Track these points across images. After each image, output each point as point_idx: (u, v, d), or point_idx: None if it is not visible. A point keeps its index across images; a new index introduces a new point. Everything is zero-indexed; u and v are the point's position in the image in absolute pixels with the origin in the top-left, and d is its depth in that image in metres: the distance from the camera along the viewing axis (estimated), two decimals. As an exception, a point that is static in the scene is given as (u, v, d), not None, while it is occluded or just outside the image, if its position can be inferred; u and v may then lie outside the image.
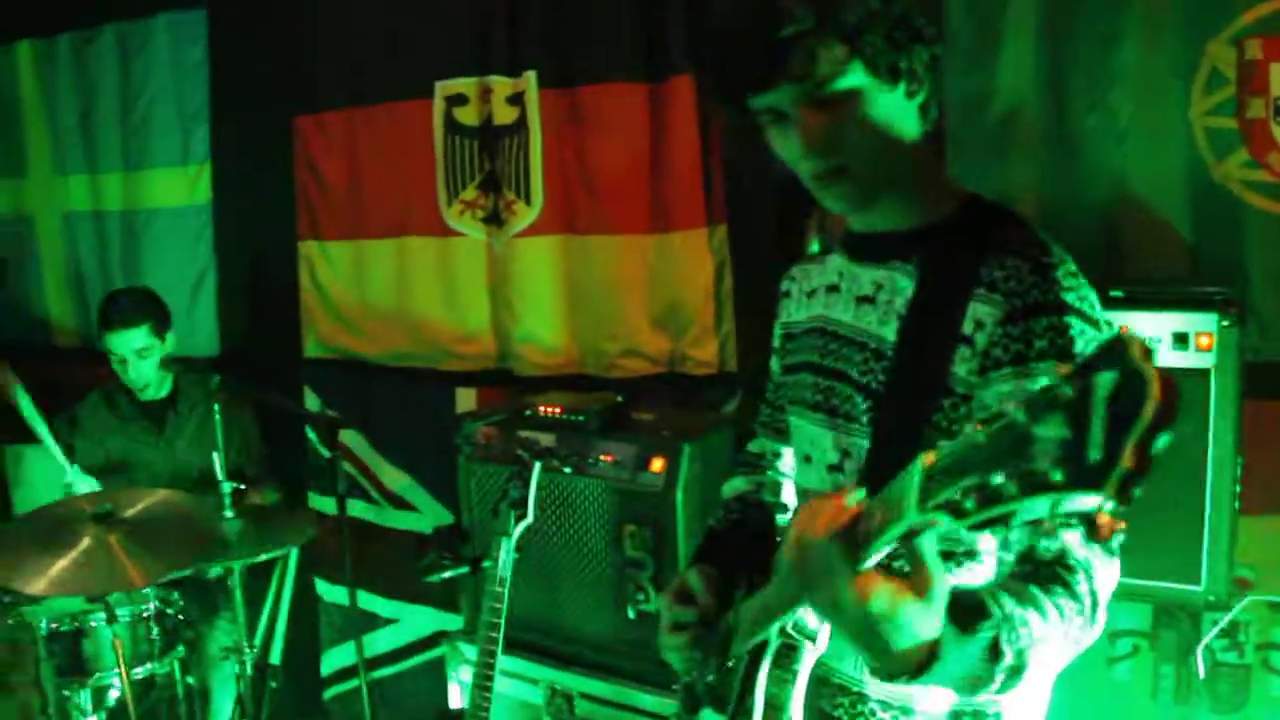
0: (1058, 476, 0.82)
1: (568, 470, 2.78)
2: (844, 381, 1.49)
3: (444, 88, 3.57)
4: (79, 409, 3.62)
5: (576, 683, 2.82)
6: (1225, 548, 2.19)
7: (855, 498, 1.13)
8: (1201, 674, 2.32)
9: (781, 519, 1.81)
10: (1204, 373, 2.18)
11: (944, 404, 1.35)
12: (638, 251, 3.30)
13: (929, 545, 1.07)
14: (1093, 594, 1.26)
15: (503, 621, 2.62)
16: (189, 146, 4.17)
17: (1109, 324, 1.33)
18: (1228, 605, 2.25)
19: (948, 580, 1.11)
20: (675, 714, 1.76)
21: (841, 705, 1.51)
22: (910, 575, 1.09)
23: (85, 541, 2.75)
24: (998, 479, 0.88)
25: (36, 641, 2.88)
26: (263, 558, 3.10)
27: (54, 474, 3.66)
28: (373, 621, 3.89)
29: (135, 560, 2.72)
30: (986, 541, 1.39)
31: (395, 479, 3.88)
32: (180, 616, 3.06)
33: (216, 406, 3.17)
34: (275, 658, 3.52)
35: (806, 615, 1.42)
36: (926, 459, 0.98)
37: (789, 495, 1.81)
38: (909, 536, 1.05)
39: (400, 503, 3.89)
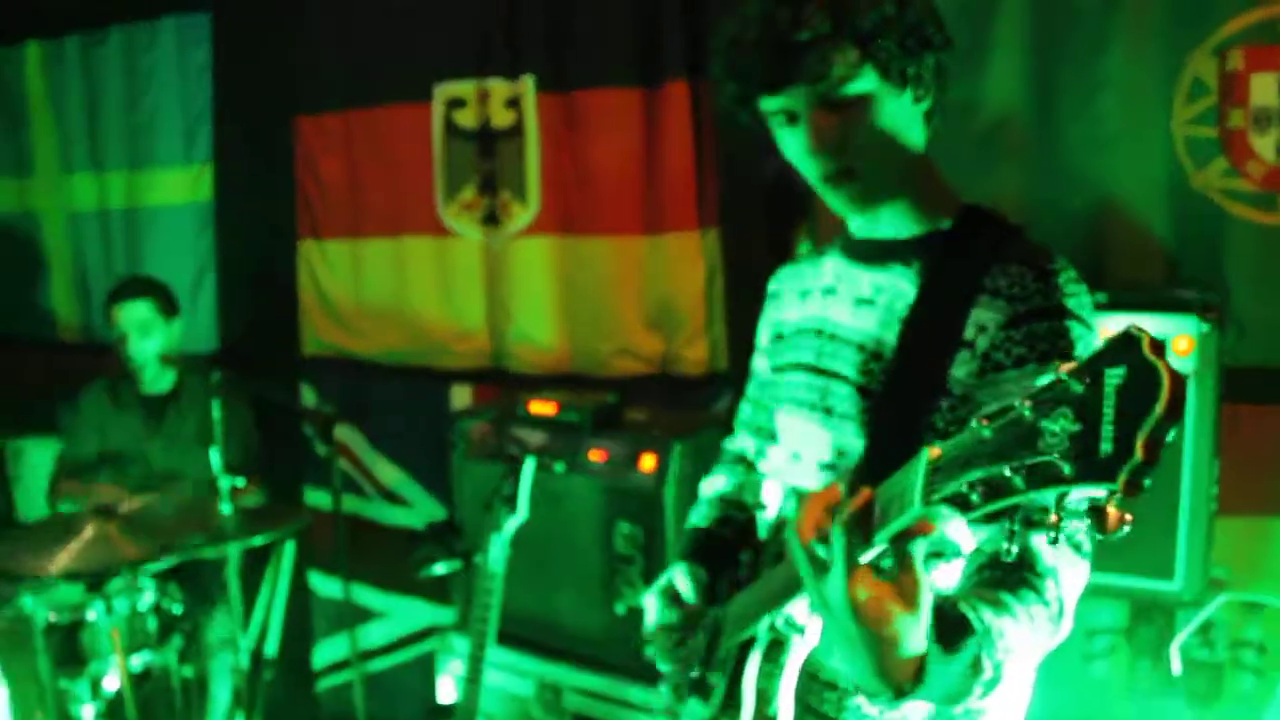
0: (1068, 470, 0.85)
1: (560, 468, 2.81)
2: (841, 381, 1.50)
3: (443, 91, 3.61)
4: (82, 397, 3.65)
5: (566, 676, 2.85)
6: (1201, 548, 2.22)
7: (859, 491, 1.12)
8: (1176, 671, 2.36)
9: (761, 519, 1.81)
10: (1183, 377, 2.21)
11: (941, 405, 1.36)
12: (631, 253, 3.34)
13: (918, 551, 1.08)
14: (1060, 599, 1.27)
15: (494, 616, 2.66)
16: (192, 146, 4.21)
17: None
18: (1202, 604, 2.30)
19: (931, 594, 1.11)
20: (665, 707, 1.78)
21: (829, 701, 1.52)
22: (897, 582, 1.09)
23: (88, 532, 2.81)
24: (1004, 472, 0.89)
25: (34, 633, 2.91)
26: (257, 541, 3.14)
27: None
28: (366, 615, 3.92)
29: (132, 541, 2.78)
30: (970, 542, 1.41)
31: (390, 474, 3.92)
32: (177, 608, 3.10)
33: (217, 402, 3.19)
34: (270, 650, 3.56)
35: (795, 610, 1.43)
36: (932, 452, 0.99)
37: (768, 495, 1.81)
38: (904, 537, 1.06)
39: (394, 498, 3.92)
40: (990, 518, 0.94)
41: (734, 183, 3.15)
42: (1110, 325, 2.19)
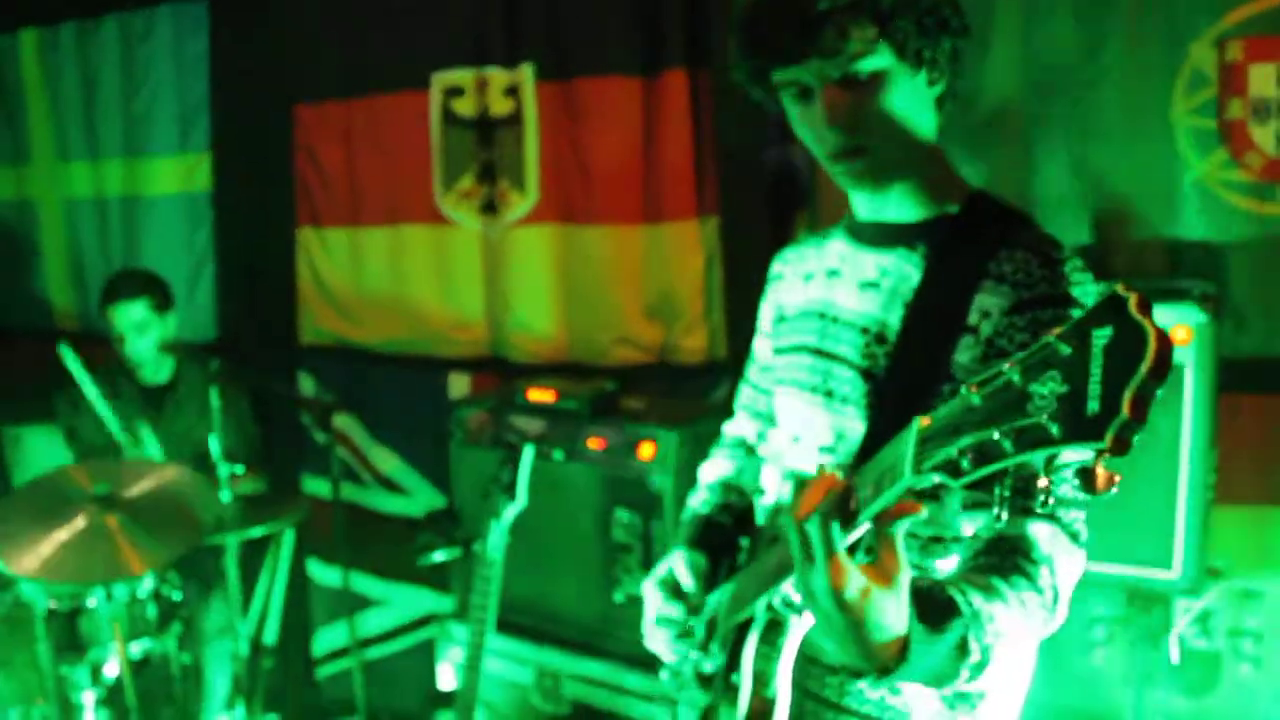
0: (1055, 430, 0.85)
1: (558, 455, 2.82)
2: (843, 364, 1.50)
3: (441, 79, 3.61)
4: (79, 389, 3.64)
5: (565, 663, 2.86)
6: (1198, 537, 2.23)
7: (839, 474, 1.14)
8: (1174, 659, 2.37)
9: (759, 504, 1.81)
10: (1181, 366, 2.22)
11: (944, 390, 1.35)
12: (630, 242, 3.34)
13: (899, 532, 1.09)
14: (1054, 588, 1.28)
15: (493, 603, 2.67)
16: (190, 135, 4.21)
17: None
18: (1200, 593, 2.31)
19: (910, 572, 1.11)
20: (665, 694, 1.78)
21: (830, 685, 1.52)
22: (876, 562, 1.10)
23: (82, 521, 2.77)
24: (993, 436, 0.89)
25: (35, 619, 2.92)
26: (256, 532, 3.14)
27: (54, 455, 3.71)
28: (365, 602, 3.93)
29: (133, 545, 2.75)
30: (970, 528, 1.40)
31: (389, 463, 3.92)
32: (176, 595, 3.10)
33: (215, 390, 3.20)
34: (270, 638, 3.56)
35: (792, 590, 1.43)
36: (922, 422, 1.00)
37: (767, 479, 1.81)
38: (885, 518, 1.07)
39: (393, 486, 3.93)
40: (981, 484, 0.94)
41: (733, 172, 3.15)
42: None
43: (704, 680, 1.63)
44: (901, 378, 1.42)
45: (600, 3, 3.27)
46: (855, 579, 1.10)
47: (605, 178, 3.37)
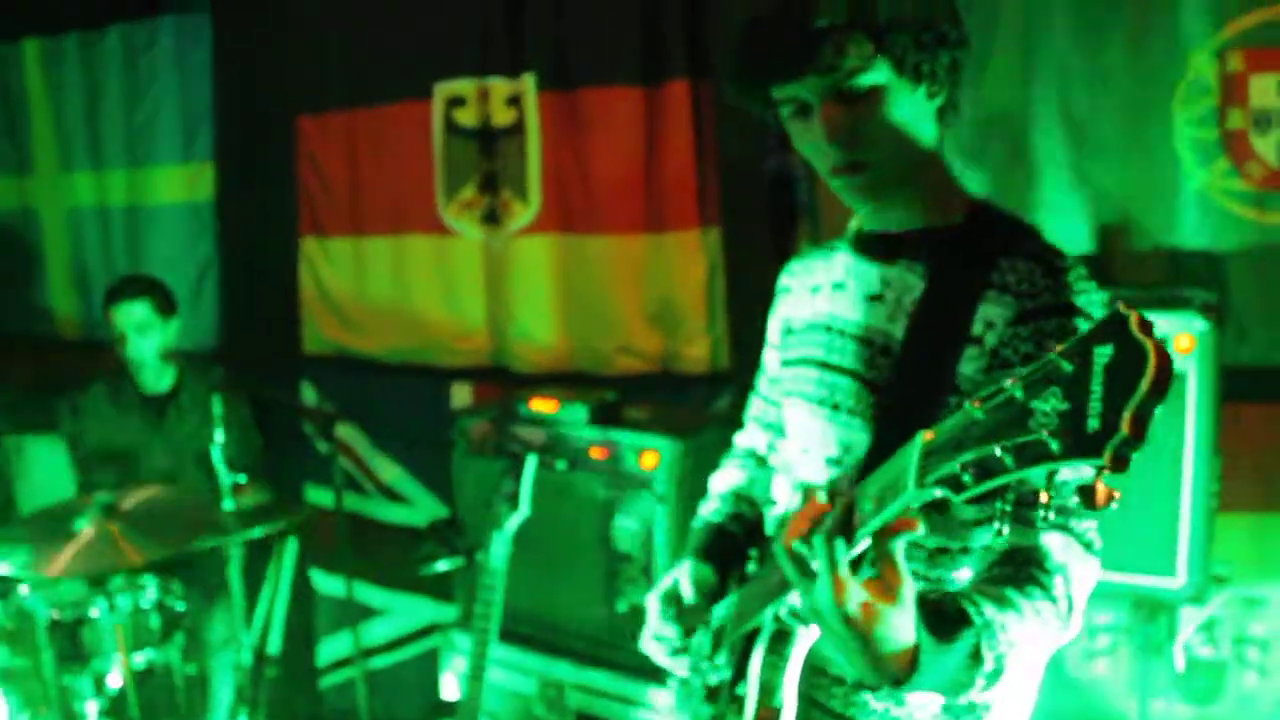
0: (1056, 446, 0.85)
1: (561, 465, 2.82)
2: (849, 376, 1.50)
3: (443, 89, 3.62)
4: (81, 396, 3.65)
5: (568, 673, 2.86)
6: (1203, 545, 2.24)
7: (823, 497, 1.16)
8: (1179, 668, 2.38)
9: (770, 514, 1.81)
10: (1184, 375, 2.22)
11: (949, 402, 1.35)
12: (632, 251, 3.35)
13: (899, 548, 1.10)
14: (1069, 597, 1.28)
15: (496, 613, 2.67)
16: (193, 145, 4.21)
17: None
18: (1205, 601, 2.31)
19: (914, 585, 1.13)
20: (669, 706, 1.78)
21: (836, 696, 1.52)
22: (878, 577, 1.11)
23: (88, 530, 2.80)
24: (995, 452, 0.90)
25: (37, 629, 2.92)
26: (258, 533, 3.14)
27: (56, 464, 3.71)
28: (368, 612, 3.93)
29: (133, 543, 2.77)
30: (980, 539, 1.41)
31: (391, 472, 3.92)
32: (179, 606, 3.10)
33: (218, 399, 3.20)
34: (273, 648, 3.56)
35: (798, 601, 1.44)
36: (925, 436, 1.00)
37: (777, 490, 1.80)
38: (885, 534, 1.08)
39: (395, 496, 3.93)
40: (982, 499, 0.94)
41: (735, 182, 3.16)
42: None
43: (711, 691, 1.63)
44: (906, 389, 1.42)
45: (602, 13, 3.28)
46: (857, 594, 1.11)
47: (607, 188, 3.38)
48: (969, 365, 1.35)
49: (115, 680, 2.95)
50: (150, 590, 3.00)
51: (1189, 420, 2.23)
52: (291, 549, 3.52)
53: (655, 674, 2.60)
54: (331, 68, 3.85)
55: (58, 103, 4.53)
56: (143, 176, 4.34)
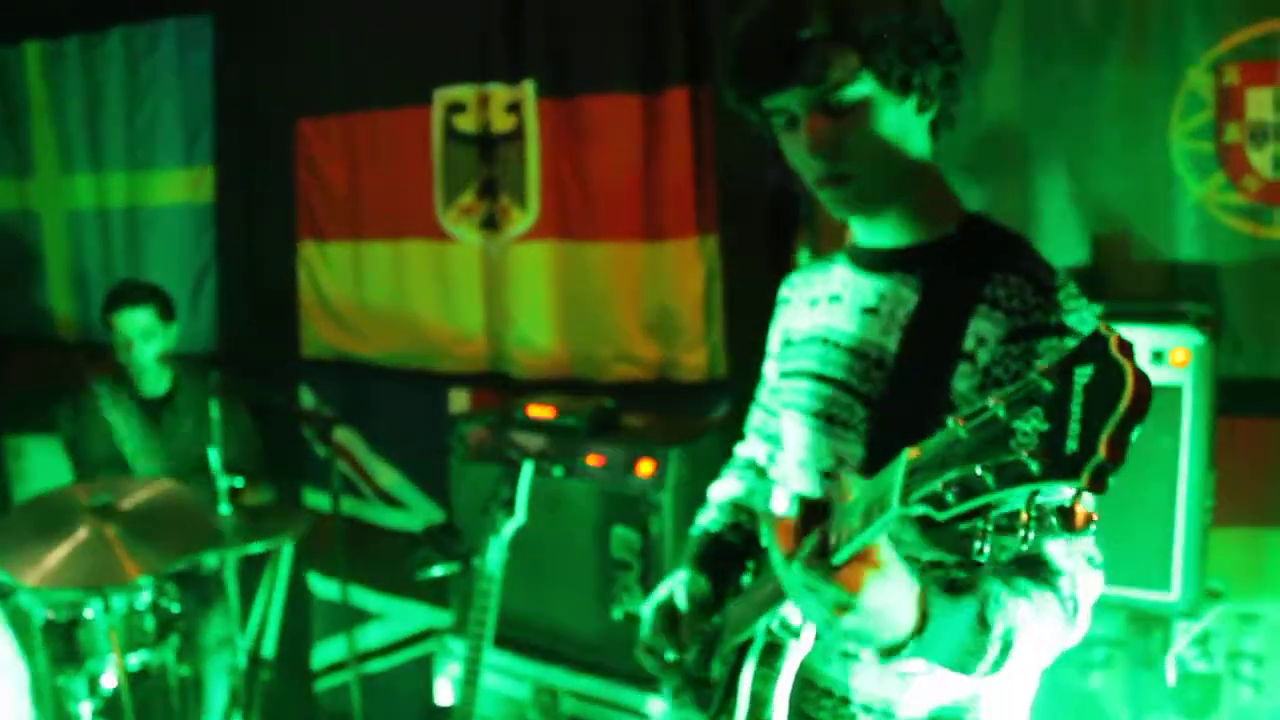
0: (1035, 468, 0.86)
1: (558, 472, 2.82)
2: (843, 390, 1.50)
3: (443, 95, 3.63)
4: (80, 398, 3.65)
5: (563, 679, 2.86)
6: (1197, 559, 2.23)
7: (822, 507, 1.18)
8: (1172, 682, 2.38)
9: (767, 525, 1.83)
10: (1180, 388, 2.22)
11: (943, 417, 1.35)
12: (630, 259, 3.35)
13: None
14: (1074, 598, 1.29)
15: (491, 619, 2.67)
16: (194, 148, 4.22)
17: None
18: (1199, 615, 2.31)
19: (893, 547, 1.16)
20: (662, 715, 1.79)
21: (825, 708, 1.52)
22: (860, 556, 1.14)
23: (82, 533, 2.79)
24: (976, 471, 0.91)
25: (32, 630, 2.92)
26: (255, 547, 3.14)
27: (55, 465, 3.71)
28: (364, 616, 3.93)
29: (130, 552, 2.76)
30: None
31: (388, 477, 3.93)
32: (175, 607, 3.11)
33: (214, 403, 3.20)
34: (268, 651, 3.56)
35: (791, 613, 1.44)
36: (911, 453, 1.01)
37: (777, 502, 1.81)
38: (855, 560, 1.12)
39: (392, 500, 3.93)
40: (965, 518, 0.95)
41: (733, 190, 3.17)
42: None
43: (703, 701, 1.63)
44: (899, 402, 1.42)
45: (602, 20, 3.29)
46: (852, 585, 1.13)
47: (606, 195, 3.39)
48: (963, 382, 1.35)
49: (110, 681, 2.95)
50: (145, 592, 3.00)
51: (1184, 434, 2.23)
52: (288, 552, 3.53)
53: (650, 681, 2.60)
54: (332, 72, 3.86)
55: (58, 105, 4.54)
56: (143, 179, 4.34)
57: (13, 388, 4.57)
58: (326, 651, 4.13)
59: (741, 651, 1.52)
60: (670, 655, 1.70)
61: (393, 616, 3.94)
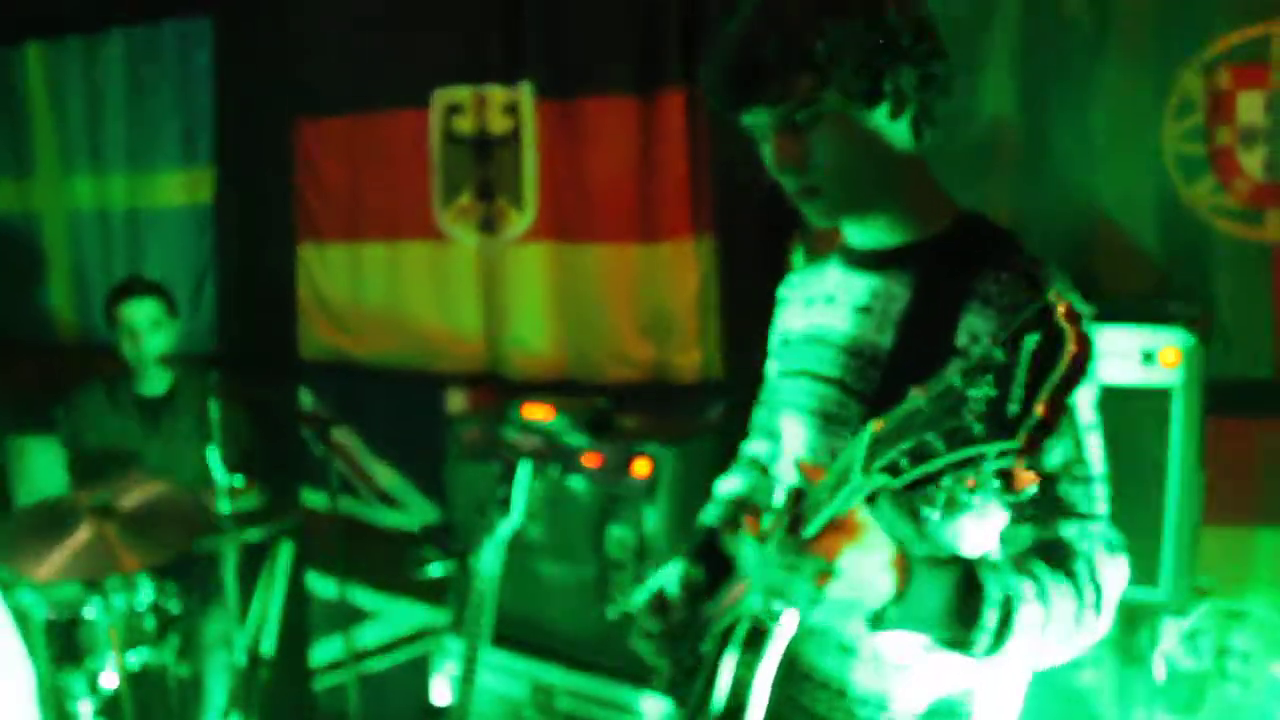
0: (978, 429, 0.89)
1: (554, 472, 2.84)
2: (839, 388, 1.51)
3: (442, 97, 3.64)
4: (78, 397, 3.64)
5: (559, 678, 2.87)
6: (1186, 556, 2.25)
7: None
8: (1160, 678, 2.39)
9: None
10: (1169, 388, 2.24)
11: None
12: (626, 260, 3.37)
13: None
14: (1094, 583, 1.30)
15: (488, 618, 2.68)
16: (193, 149, 4.23)
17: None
18: (1187, 612, 2.33)
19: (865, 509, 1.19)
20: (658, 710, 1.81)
21: (821, 700, 1.53)
22: (835, 525, 1.18)
23: (83, 532, 2.81)
24: (929, 438, 0.94)
25: (32, 629, 2.93)
26: (253, 535, 3.15)
27: (56, 466, 3.72)
28: (361, 615, 3.94)
29: (129, 547, 2.79)
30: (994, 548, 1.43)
31: (386, 477, 3.94)
32: (174, 607, 3.12)
33: (213, 403, 3.21)
34: (267, 649, 3.58)
35: (773, 599, 1.45)
36: (875, 425, 1.04)
37: (779, 498, 1.85)
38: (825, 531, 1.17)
39: (390, 500, 3.95)
40: (920, 483, 0.98)
41: (729, 191, 3.17)
42: (1099, 337, 2.24)
43: (684, 689, 1.66)
44: (893, 400, 1.43)
45: (599, 22, 3.31)
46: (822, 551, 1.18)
47: (602, 196, 3.40)
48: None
49: (109, 680, 2.97)
50: (145, 591, 3.01)
51: (1173, 433, 2.24)
52: (286, 551, 3.54)
53: (646, 679, 2.61)
54: (332, 74, 3.87)
55: (59, 106, 4.54)
56: (143, 180, 4.35)
57: (13, 388, 4.58)
58: (324, 650, 4.14)
59: (724, 637, 1.54)
60: (664, 639, 1.71)
61: (390, 615, 3.95)
